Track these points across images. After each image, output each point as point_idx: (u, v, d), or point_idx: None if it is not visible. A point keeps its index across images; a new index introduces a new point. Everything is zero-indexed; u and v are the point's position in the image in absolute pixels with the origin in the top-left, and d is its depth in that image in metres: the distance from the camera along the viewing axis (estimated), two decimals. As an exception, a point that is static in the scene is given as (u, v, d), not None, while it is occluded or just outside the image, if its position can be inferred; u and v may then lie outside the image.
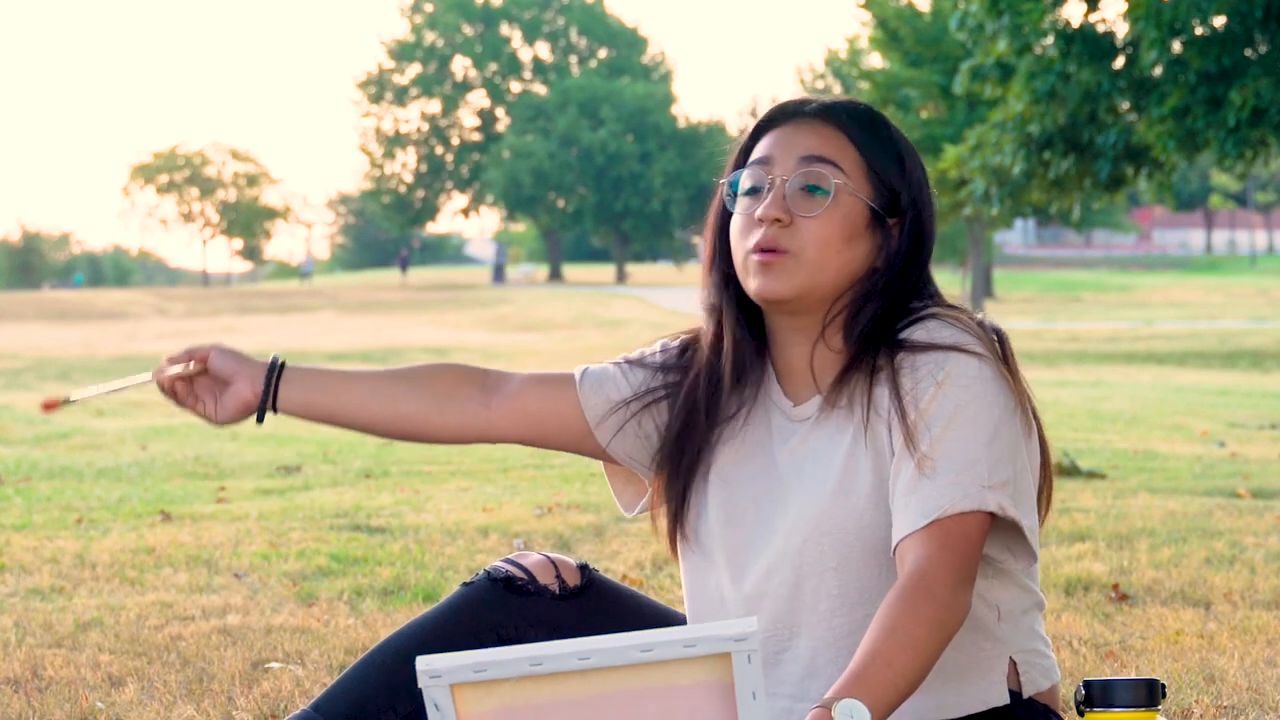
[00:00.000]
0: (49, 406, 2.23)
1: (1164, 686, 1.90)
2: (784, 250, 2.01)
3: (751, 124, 2.12)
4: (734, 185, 2.09)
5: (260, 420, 2.20)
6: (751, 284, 2.04)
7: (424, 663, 1.67)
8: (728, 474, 2.12)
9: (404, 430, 2.22)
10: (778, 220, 2.01)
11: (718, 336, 2.14)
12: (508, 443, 2.25)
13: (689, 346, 2.21)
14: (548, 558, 2.23)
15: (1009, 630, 2.06)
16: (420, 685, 1.68)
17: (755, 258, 2.03)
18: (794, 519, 2.04)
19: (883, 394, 2.00)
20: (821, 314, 2.06)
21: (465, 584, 2.23)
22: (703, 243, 2.17)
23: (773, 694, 2.05)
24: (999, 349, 2.02)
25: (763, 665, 2.02)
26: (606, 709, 1.69)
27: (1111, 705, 1.88)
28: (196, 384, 2.23)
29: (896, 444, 1.97)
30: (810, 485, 2.04)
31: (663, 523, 2.21)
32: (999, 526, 2.00)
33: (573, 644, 1.68)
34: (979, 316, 2.06)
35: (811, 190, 2.02)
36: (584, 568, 2.24)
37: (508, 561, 2.23)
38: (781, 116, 2.09)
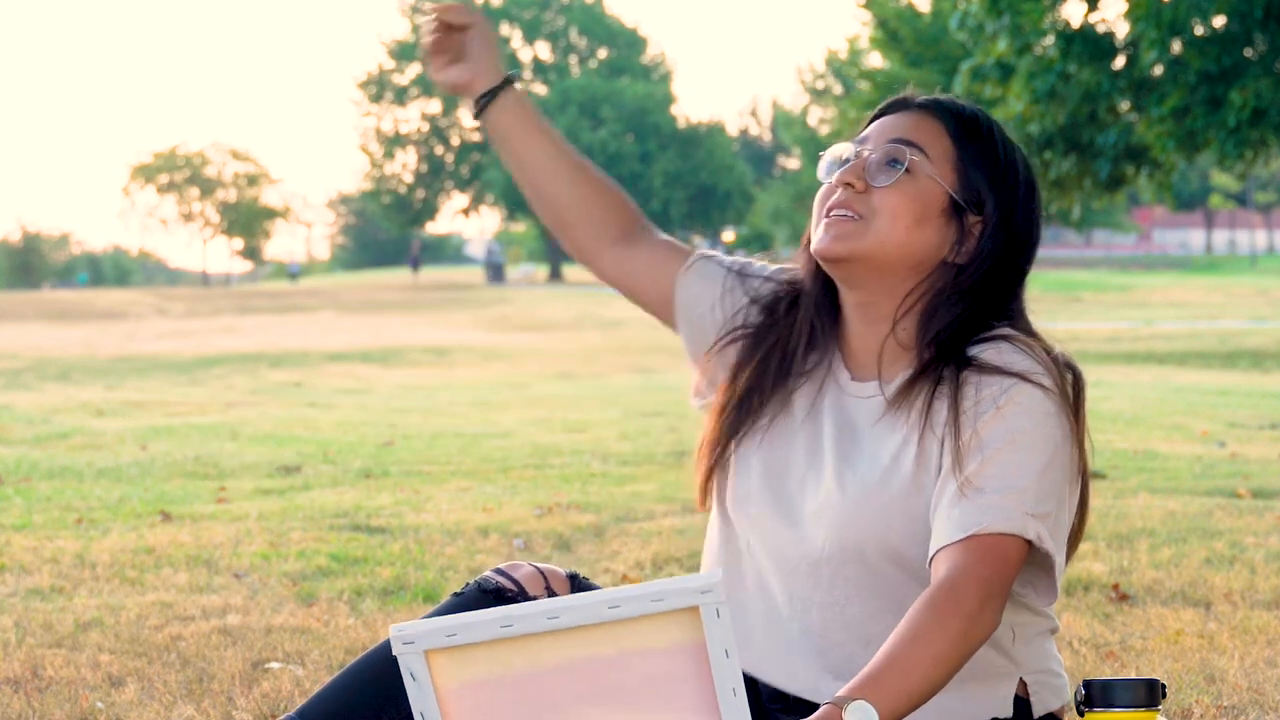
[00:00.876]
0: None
1: (1164, 686, 1.90)
2: (853, 214, 2.05)
3: (874, 111, 2.18)
4: (837, 160, 2.13)
5: (478, 113, 2.27)
6: (815, 244, 2.09)
7: (397, 629, 1.69)
8: (776, 429, 2.14)
9: (558, 209, 2.30)
10: (850, 185, 2.06)
11: (801, 306, 2.17)
12: (607, 284, 2.33)
13: (785, 296, 2.22)
14: (537, 569, 2.23)
15: (1022, 651, 2.06)
16: (395, 653, 1.69)
17: (827, 217, 2.07)
18: (825, 499, 2.05)
19: (942, 407, 2.01)
20: (894, 302, 2.08)
21: (455, 594, 2.22)
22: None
23: (779, 640, 2.08)
24: (1069, 387, 2.02)
25: (768, 623, 2.04)
26: (582, 676, 1.70)
27: (1111, 705, 1.87)
28: (446, 39, 2.28)
29: (946, 460, 1.98)
30: (849, 469, 2.05)
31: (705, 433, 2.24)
32: (1027, 560, 2.00)
33: (541, 604, 1.69)
34: (1057, 350, 2.06)
35: (890, 164, 2.06)
36: (573, 577, 2.24)
37: (497, 573, 2.22)
38: (894, 106, 2.15)
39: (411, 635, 1.69)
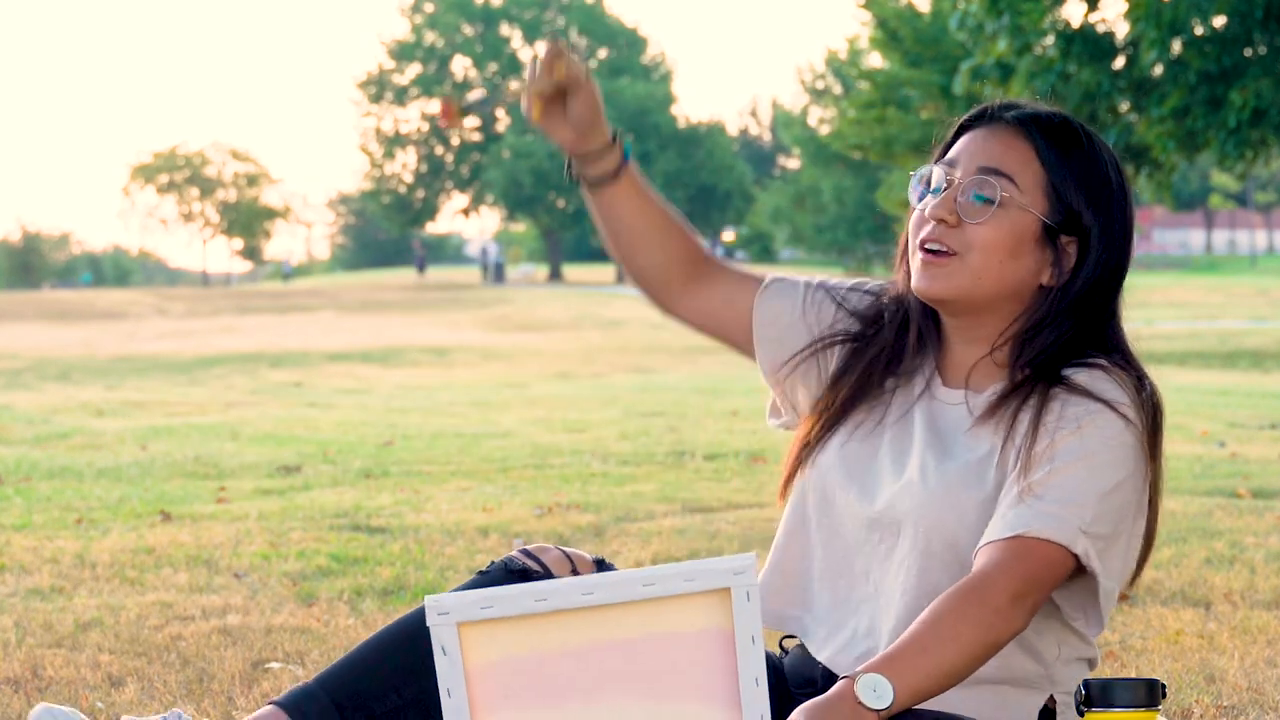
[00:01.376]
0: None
1: (1164, 686, 1.90)
2: (948, 250, 2.05)
3: (958, 121, 2.15)
4: (925, 182, 2.12)
5: (582, 180, 2.20)
6: (915, 280, 2.10)
7: (432, 600, 1.70)
8: (867, 427, 2.16)
9: (649, 270, 2.27)
10: (944, 221, 2.05)
11: (905, 320, 2.18)
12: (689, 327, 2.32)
13: (884, 308, 2.22)
14: (565, 553, 2.24)
15: (1062, 670, 2.08)
16: (429, 623, 1.70)
17: (920, 255, 2.07)
18: (904, 486, 2.07)
19: (1025, 419, 2.03)
20: (993, 327, 2.10)
21: (481, 572, 2.24)
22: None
23: (838, 628, 2.11)
24: (1151, 420, 2.04)
25: (829, 606, 2.07)
26: (609, 658, 1.71)
27: (1111, 705, 1.87)
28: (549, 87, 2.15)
29: (1016, 465, 2.00)
30: (933, 465, 2.07)
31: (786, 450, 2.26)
32: (1081, 587, 2.02)
33: (576, 580, 1.70)
34: (1148, 384, 2.07)
35: (981, 199, 2.04)
36: (600, 563, 2.25)
37: (525, 554, 2.24)
38: (982, 119, 2.13)
39: (447, 606, 1.70)
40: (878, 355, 2.18)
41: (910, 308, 2.17)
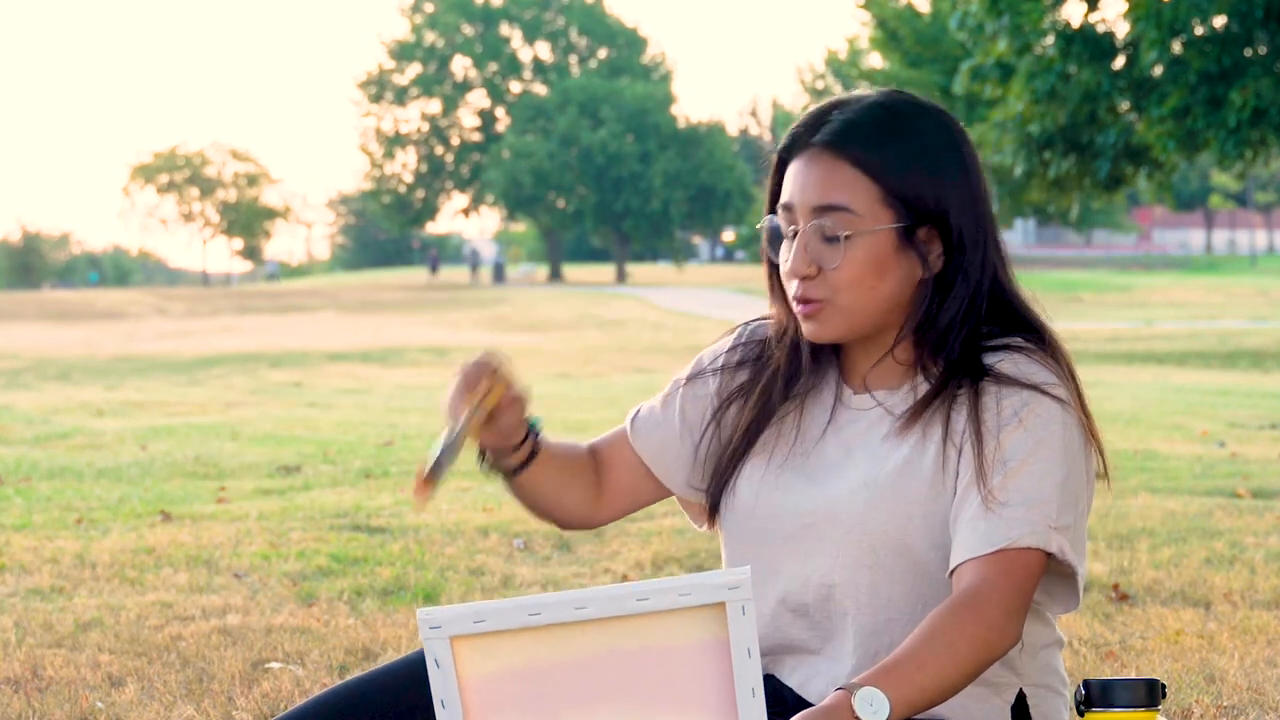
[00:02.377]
0: (423, 490, 2.10)
1: (1164, 686, 1.90)
2: (819, 300, 2.03)
3: (775, 149, 2.10)
4: (771, 235, 2.09)
5: (498, 472, 2.15)
6: (802, 329, 2.08)
7: (424, 613, 1.70)
8: (781, 450, 2.13)
9: (564, 517, 2.24)
10: (805, 276, 2.02)
11: (795, 341, 2.14)
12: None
13: (765, 341, 2.19)
14: None
15: (1027, 663, 2.07)
16: (422, 637, 1.69)
17: (798, 307, 2.05)
18: (840, 509, 2.05)
19: (960, 418, 2.01)
20: (890, 333, 2.07)
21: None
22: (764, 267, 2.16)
23: (803, 658, 2.08)
24: (1075, 385, 2.03)
25: (808, 630, 2.04)
26: (603, 671, 1.71)
27: (1111, 705, 1.87)
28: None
29: (966, 471, 1.98)
30: (860, 479, 2.04)
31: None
32: (1048, 573, 2.02)
33: (570, 594, 1.70)
34: (1050, 336, 2.06)
35: (828, 242, 2.01)
36: None
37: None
38: (795, 145, 2.07)
39: (439, 620, 1.70)
40: (773, 378, 2.15)
41: (787, 332, 2.14)
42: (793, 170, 2.06)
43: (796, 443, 2.12)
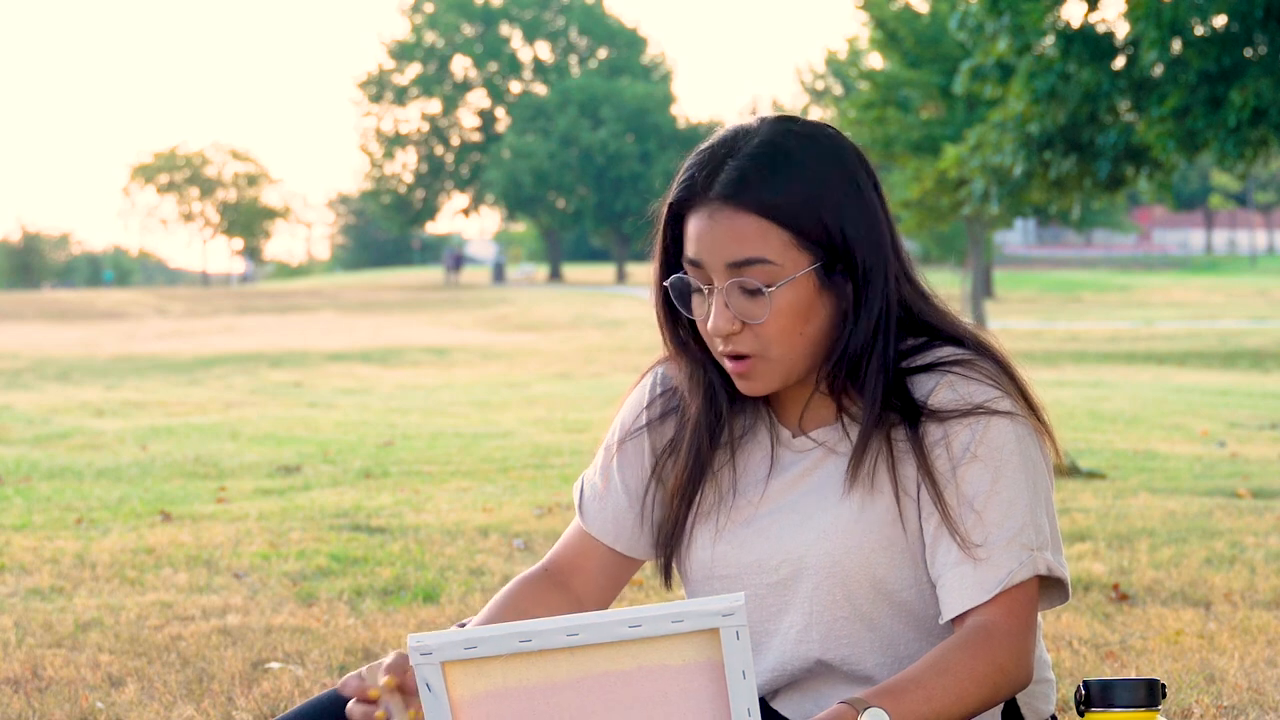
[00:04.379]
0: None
1: (1164, 686, 1.90)
2: (749, 355, 1.96)
3: (665, 200, 2.01)
4: (682, 294, 2.00)
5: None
6: (737, 386, 2.01)
7: (415, 639, 1.69)
8: (714, 500, 2.07)
9: None
10: (731, 333, 1.95)
11: (708, 387, 2.06)
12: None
13: (672, 388, 2.12)
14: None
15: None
16: (412, 663, 1.68)
17: (728, 363, 1.98)
18: (797, 559, 2.00)
19: (908, 469, 1.96)
20: (819, 370, 2.01)
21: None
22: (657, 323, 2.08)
23: None
24: (1016, 385, 1.98)
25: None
26: (597, 690, 1.70)
27: (1111, 705, 1.87)
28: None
29: (931, 516, 1.94)
30: (816, 526, 2.00)
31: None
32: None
33: (562, 620, 1.69)
34: (990, 343, 2.01)
35: (750, 294, 1.94)
36: None
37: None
38: (691, 198, 1.98)
39: (430, 646, 1.69)
40: (696, 431, 2.07)
41: (708, 372, 2.06)
42: (695, 225, 1.97)
43: (740, 494, 2.05)
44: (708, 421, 2.07)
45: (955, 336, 2.01)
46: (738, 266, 1.93)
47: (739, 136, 1.97)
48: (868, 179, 1.98)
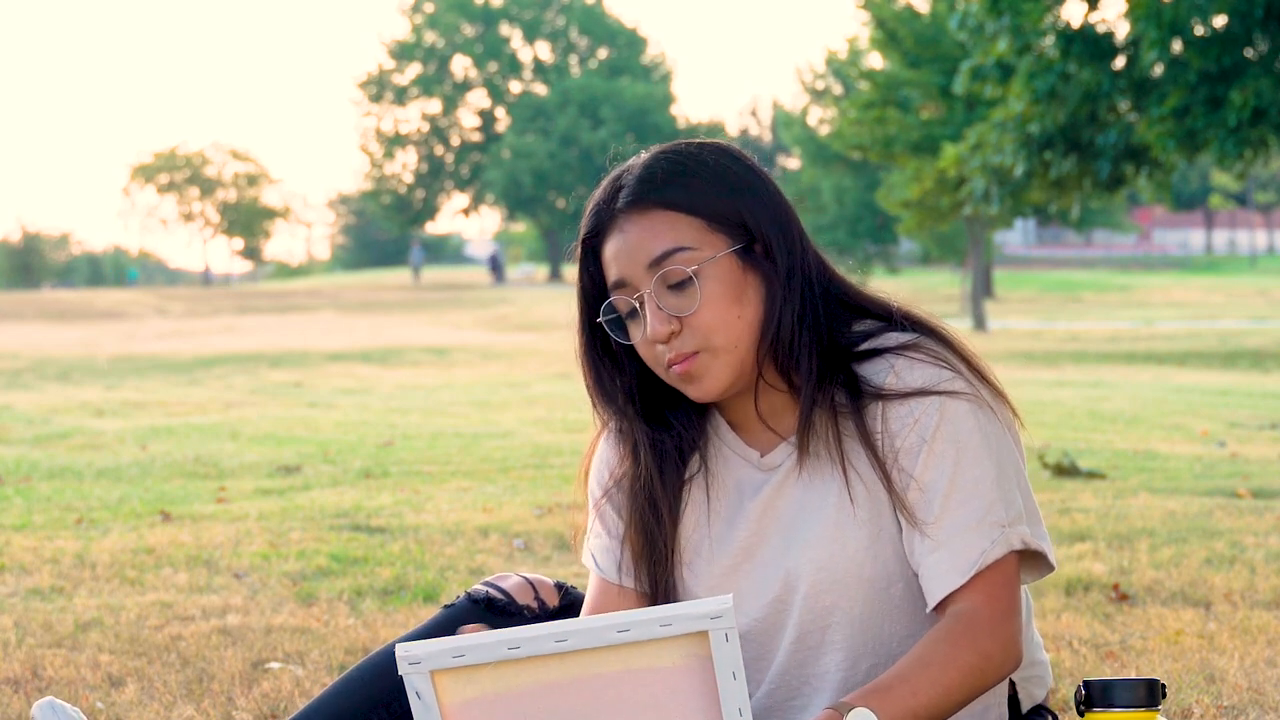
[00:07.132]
0: None
1: (1164, 686, 1.90)
2: (693, 352, 1.96)
3: (578, 240, 2.04)
4: (615, 321, 2.01)
5: None
6: (686, 393, 2.00)
7: (403, 649, 1.69)
8: (699, 538, 2.07)
9: None
10: (670, 335, 1.96)
11: (651, 444, 2.06)
12: None
13: (615, 447, 2.12)
14: (526, 579, 2.22)
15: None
16: (400, 672, 1.69)
17: (674, 372, 1.98)
18: (787, 573, 2.00)
19: (857, 450, 1.96)
20: (765, 380, 2.01)
21: (446, 606, 2.21)
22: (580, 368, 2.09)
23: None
24: (966, 361, 1.97)
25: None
26: (587, 693, 1.70)
27: (1111, 705, 1.87)
28: None
29: (901, 510, 1.95)
30: (800, 538, 1.99)
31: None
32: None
33: (549, 626, 1.69)
34: (930, 321, 2.01)
35: (677, 287, 1.95)
36: (561, 586, 2.23)
37: (487, 584, 2.22)
38: (600, 224, 2.03)
39: (418, 656, 1.69)
40: (650, 482, 2.06)
41: (639, 438, 2.06)
42: (611, 246, 2.00)
43: (721, 528, 2.05)
44: (658, 469, 2.06)
45: (888, 313, 2.02)
46: (658, 263, 1.96)
47: (629, 164, 2.06)
48: (762, 174, 2.03)
